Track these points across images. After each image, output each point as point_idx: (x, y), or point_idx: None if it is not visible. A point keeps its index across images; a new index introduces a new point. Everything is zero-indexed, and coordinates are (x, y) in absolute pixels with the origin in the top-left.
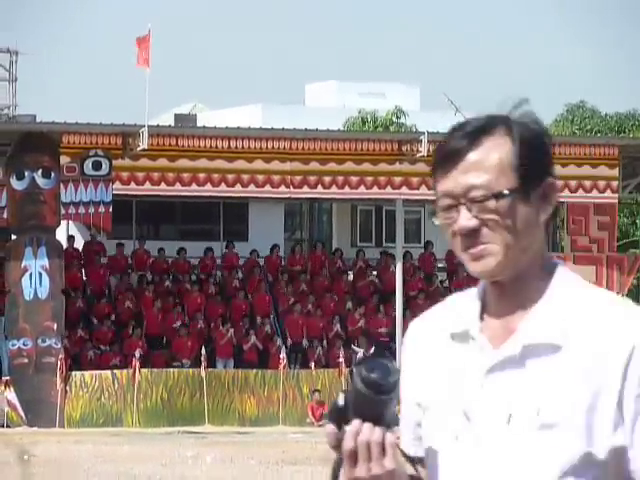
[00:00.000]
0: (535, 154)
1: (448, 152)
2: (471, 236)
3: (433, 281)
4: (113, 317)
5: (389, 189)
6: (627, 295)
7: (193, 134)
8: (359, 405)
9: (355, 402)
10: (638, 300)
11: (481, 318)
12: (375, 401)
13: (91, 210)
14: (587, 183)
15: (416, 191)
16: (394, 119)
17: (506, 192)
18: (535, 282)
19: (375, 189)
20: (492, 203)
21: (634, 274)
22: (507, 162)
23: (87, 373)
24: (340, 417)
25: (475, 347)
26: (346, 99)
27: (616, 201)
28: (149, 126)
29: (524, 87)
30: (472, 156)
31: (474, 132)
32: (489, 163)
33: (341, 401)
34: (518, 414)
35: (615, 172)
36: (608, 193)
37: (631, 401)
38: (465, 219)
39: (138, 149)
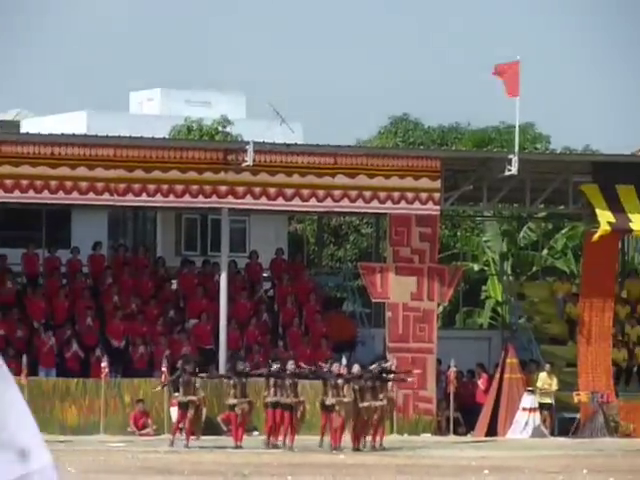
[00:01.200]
0: None
1: None
2: None
3: (257, 290)
4: None
5: (214, 198)
6: (447, 307)
7: (16, 140)
8: None
9: None
10: (457, 313)
11: None
12: None
13: None
14: (409, 195)
15: (242, 200)
16: (220, 128)
17: None
18: None
19: (200, 198)
20: None
21: (455, 285)
22: None
23: None
24: None
25: None
26: (172, 107)
27: (438, 213)
28: None
29: (348, 98)
30: None
31: None
32: None
33: None
34: None
35: (437, 184)
36: (430, 205)
37: None
38: None
39: None
